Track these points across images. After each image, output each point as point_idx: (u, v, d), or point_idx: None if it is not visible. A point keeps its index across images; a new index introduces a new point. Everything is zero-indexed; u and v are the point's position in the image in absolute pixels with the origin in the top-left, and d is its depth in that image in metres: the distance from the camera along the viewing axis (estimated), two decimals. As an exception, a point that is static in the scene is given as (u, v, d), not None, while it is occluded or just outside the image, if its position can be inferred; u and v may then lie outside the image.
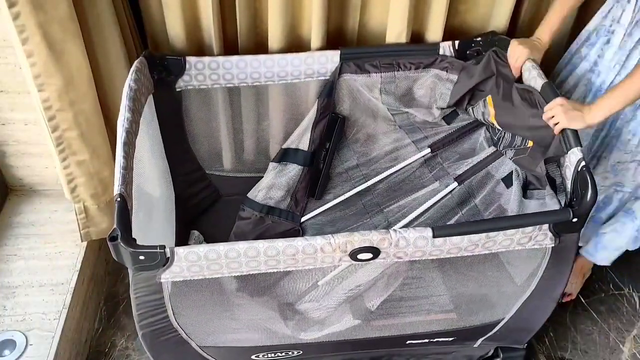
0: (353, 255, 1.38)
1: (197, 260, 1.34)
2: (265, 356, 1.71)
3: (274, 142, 2.11)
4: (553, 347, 2.08)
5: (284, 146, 2.06)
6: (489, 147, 2.02)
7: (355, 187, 2.10)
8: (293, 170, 2.05)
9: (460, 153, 2.10)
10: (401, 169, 2.12)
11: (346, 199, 2.12)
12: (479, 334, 1.79)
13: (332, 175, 2.14)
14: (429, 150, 2.11)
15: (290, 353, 1.72)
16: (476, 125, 2.09)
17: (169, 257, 1.33)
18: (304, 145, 2.03)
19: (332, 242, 1.35)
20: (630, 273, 2.30)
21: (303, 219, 2.11)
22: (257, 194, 2.07)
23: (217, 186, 2.15)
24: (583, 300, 2.21)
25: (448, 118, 2.13)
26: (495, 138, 2.00)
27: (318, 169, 2.10)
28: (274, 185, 2.02)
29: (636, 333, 2.13)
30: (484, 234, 1.39)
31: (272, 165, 2.07)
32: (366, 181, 2.11)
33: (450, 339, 1.78)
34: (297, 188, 2.07)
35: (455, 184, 2.03)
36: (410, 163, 2.12)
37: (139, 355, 2.00)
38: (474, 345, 1.85)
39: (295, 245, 1.35)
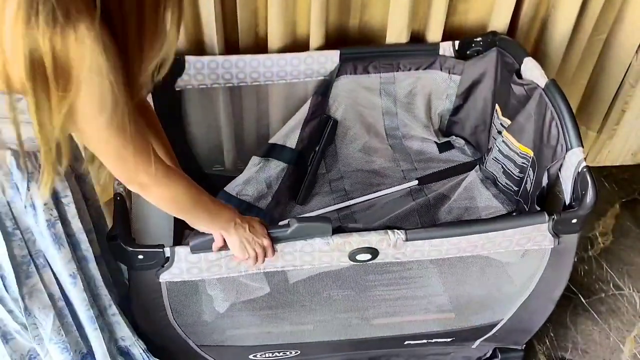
0: (352, 256, 1.38)
1: (197, 262, 1.34)
2: (264, 356, 1.71)
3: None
4: (553, 347, 2.07)
5: (271, 141, 1.99)
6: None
7: (335, 203, 2.01)
8: (276, 167, 1.96)
9: (449, 196, 2.02)
10: (384, 195, 2.04)
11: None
12: (478, 334, 1.79)
13: (317, 181, 2.06)
14: (416, 182, 2.05)
15: (288, 353, 1.72)
16: (467, 167, 2.07)
17: (168, 257, 1.33)
18: (292, 143, 1.97)
19: (331, 242, 1.36)
20: (630, 273, 2.29)
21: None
22: (234, 188, 1.96)
23: (217, 185, 2.14)
24: (583, 300, 2.21)
25: (441, 147, 2.12)
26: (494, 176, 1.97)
27: (303, 170, 2.03)
28: (251, 180, 1.92)
29: (636, 333, 2.12)
30: (483, 234, 1.39)
31: (255, 159, 1.97)
32: (347, 199, 2.02)
33: (449, 339, 1.78)
34: (280, 188, 1.96)
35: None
36: (395, 192, 2.05)
37: (138, 356, 2.00)
38: (472, 346, 1.85)
39: (294, 245, 1.36)
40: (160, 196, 1.21)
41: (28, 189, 1.17)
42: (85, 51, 0.94)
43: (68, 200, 1.26)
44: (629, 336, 2.12)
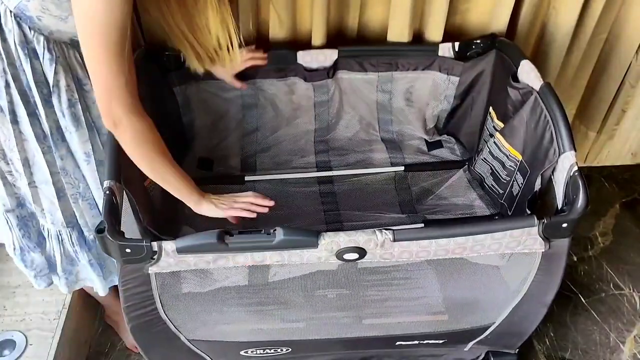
0: (339, 255, 1.38)
1: (184, 256, 1.35)
2: (254, 352, 1.72)
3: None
4: (553, 347, 2.08)
5: None
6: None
7: (317, 168, 2.08)
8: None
9: (433, 192, 2.05)
10: (368, 174, 2.08)
11: (303, 177, 2.08)
12: (470, 337, 1.78)
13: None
14: (402, 168, 2.08)
15: (279, 350, 1.73)
16: (454, 165, 2.09)
17: (156, 251, 1.34)
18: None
19: (319, 242, 1.36)
20: (630, 273, 2.29)
21: (248, 178, 2.05)
22: None
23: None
24: (583, 300, 2.21)
25: (430, 145, 2.13)
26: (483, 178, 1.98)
27: None
28: None
29: (637, 333, 2.13)
30: (470, 237, 1.39)
31: None
32: (330, 170, 2.08)
33: (441, 341, 1.77)
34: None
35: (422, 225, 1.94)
36: (380, 173, 2.08)
37: (138, 357, 2.01)
38: (465, 349, 1.85)
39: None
40: (127, 131, 1.32)
41: (55, 72, 1.39)
42: None
43: (88, 88, 1.48)
44: (629, 336, 2.12)
